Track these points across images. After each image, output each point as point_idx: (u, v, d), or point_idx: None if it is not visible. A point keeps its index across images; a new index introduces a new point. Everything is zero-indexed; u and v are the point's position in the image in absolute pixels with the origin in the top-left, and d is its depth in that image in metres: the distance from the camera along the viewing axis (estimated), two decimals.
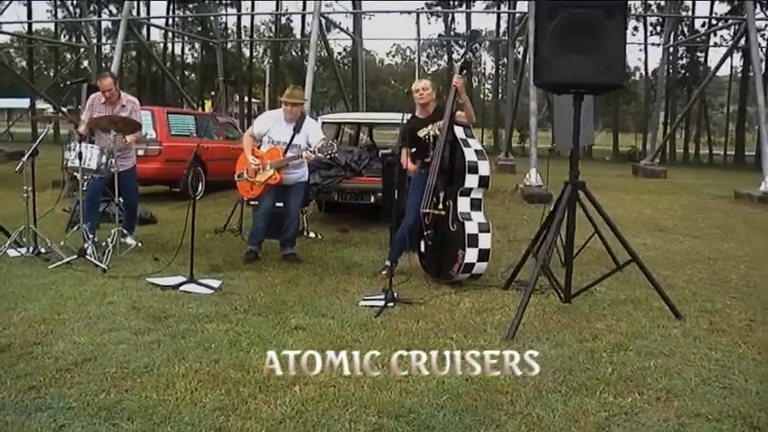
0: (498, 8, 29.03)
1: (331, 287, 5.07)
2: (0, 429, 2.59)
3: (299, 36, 34.97)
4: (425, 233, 5.19)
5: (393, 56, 53.37)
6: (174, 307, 4.35)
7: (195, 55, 41.27)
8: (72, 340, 3.61)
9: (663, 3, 28.71)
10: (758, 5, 22.46)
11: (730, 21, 24.86)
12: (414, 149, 5.38)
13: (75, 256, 5.47)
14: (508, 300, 4.73)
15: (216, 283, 4.94)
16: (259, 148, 5.95)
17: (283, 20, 38.50)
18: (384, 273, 5.46)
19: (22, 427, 2.61)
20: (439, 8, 34.40)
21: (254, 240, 5.99)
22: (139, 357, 3.39)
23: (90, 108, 6.26)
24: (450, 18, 34.00)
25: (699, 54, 31.54)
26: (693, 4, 31.12)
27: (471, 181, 4.98)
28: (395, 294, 4.58)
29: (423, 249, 5.40)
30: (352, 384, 3.12)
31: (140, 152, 8.78)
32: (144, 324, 3.95)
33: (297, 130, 5.80)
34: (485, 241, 4.99)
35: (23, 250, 5.74)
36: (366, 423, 2.73)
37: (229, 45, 32.07)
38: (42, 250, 5.72)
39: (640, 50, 33.88)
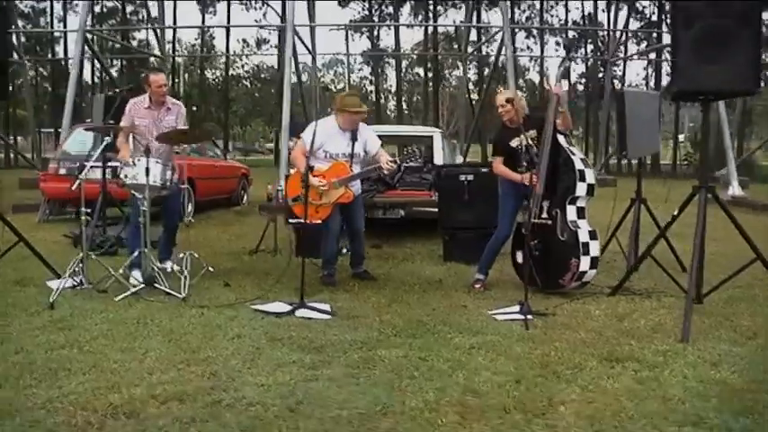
0: (476, 21, 28.07)
1: (444, 303, 4.85)
2: None
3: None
4: (532, 243, 5.05)
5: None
6: (313, 335, 3.96)
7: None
8: (253, 382, 3.18)
9: None
10: None
11: None
12: (501, 158, 5.27)
13: (142, 286, 4.93)
14: (633, 305, 4.69)
15: (326, 307, 4.59)
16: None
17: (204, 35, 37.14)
18: (478, 286, 5.32)
19: None
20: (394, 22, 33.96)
21: (330, 265, 5.58)
22: (357, 397, 3.02)
23: (129, 116, 5.62)
24: (376, 33, 34.05)
25: None
26: None
27: (581, 189, 4.93)
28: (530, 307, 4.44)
29: (519, 260, 5.28)
30: (612, 398, 2.95)
31: None
32: (305, 357, 3.55)
33: (354, 138, 5.38)
34: (595, 249, 4.95)
35: (66, 282, 5.09)
36: None
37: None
38: (80, 280, 5.05)
39: None
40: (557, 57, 31.46)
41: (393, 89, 40.13)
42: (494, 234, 5.36)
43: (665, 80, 25.55)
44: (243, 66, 38.54)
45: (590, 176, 4.97)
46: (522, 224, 5.24)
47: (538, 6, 28.95)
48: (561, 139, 5.04)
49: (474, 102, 20.96)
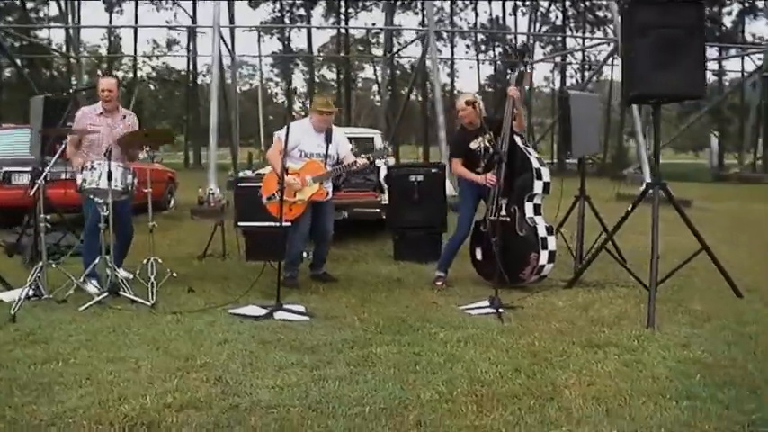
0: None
1: (414, 301, 4.98)
2: None
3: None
4: (493, 240, 5.26)
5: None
6: (302, 336, 3.97)
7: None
8: (263, 385, 3.17)
9: None
10: None
11: None
12: (461, 159, 5.47)
13: (105, 294, 4.76)
14: (591, 296, 5.00)
15: (301, 308, 4.62)
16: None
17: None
18: (439, 283, 5.50)
19: None
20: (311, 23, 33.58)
21: (294, 267, 5.57)
22: (372, 393, 3.08)
23: (80, 123, 5.42)
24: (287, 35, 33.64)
25: None
26: None
27: (538, 187, 5.20)
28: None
29: (479, 257, 5.50)
30: (608, 380, 3.18)
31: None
32: (304, 358, 3.56)
33: (328, 140, 5.46)
34: (552, 243, 5.24)
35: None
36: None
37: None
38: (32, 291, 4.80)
39: None
40: (466, 59, 32.47)
41: (299, 91, 40.05)
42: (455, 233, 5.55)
43: (568, 82, 27.07)
44: (150, 67, 37.15)
45: (546, 175, 5.25)
46: (480, 223, 5.47)
47: (448, 10, 29.87)
48: (517, 139, 5.29)
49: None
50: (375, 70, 32.77)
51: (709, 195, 13.55)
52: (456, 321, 4.35)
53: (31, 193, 4.80)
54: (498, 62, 27.69)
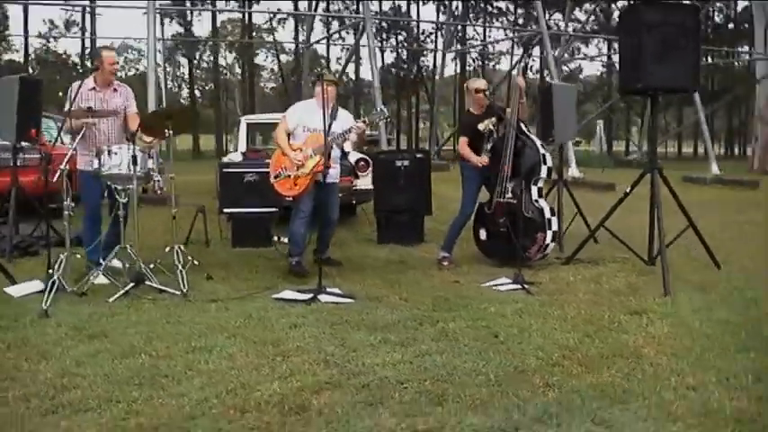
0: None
1: (436, 281, 5.20)
2: None
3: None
4: (500, 220, 5.60)
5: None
6: (367, 318, 4.07)
7: None
8: (375, 363, 3.29)
9: None
10: None
11: None
12: (468, 139, 5.73)
13: (132, 284, 4.61)
14: (593, 271, 5.40)
15: (339, 291, 4.70)
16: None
17: None
18: (446, 263, 5.76)
19: None
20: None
21: (299, 250, 5.51)
22: (484, 362, 3.29)
23: (72, 100, 5.02)
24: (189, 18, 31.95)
25: None
26: None
27: (544, 171, 5.58)
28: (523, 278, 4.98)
29: (484, 237, 5.82)
30: (669, 339, 3.58)
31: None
32: (388, 336, 3.69)
33: (333, 117, 5.37)
34: (555, 224, 5.65)
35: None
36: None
37: None
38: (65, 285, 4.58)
39: None
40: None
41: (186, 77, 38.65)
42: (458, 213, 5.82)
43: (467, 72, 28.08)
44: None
45: (549, 160, 5.64)
46: (485, 204, 5.78)
47: None
48: (522, 126, 5.64)
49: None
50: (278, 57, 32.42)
51: (625, 180, 14.54)
52: (494, 297, 4.62)
53: (55, 180, 4.52)
54: (400, 50, 28.36)
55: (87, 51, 30.86)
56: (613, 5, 30.20)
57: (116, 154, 4.71)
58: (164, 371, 3.16)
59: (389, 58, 30.34)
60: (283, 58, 37.16)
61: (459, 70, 27.27)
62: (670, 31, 4.89)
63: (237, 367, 3.23)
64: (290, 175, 5.26)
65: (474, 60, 31.50)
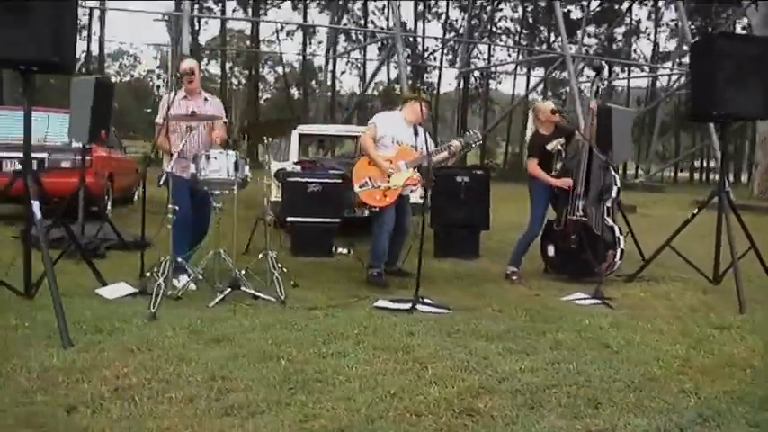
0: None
1: (515, 294, 5.38)
2: None
3: None
4: (572, 237, 5.79)
5: None
6: (474, 326, 4.20)
7: None
8: (511, 369, 3.44)
9: None
10: None
11: None
12: (537, 160, 5.92)
13: (229, 290, 4.71)
14: (658, 289, 5.62)
15: (433, 301, 4.84)
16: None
17: None
18: (515, 278, 5.92)
19: None
20: None
21: (379, 262, 5.62)
22: (620, 368, 3.47)
23: (163, 110, 5.15)
24: None
25: None
26: None
27: (614, 192, 5.80)
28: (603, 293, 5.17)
29: (552, 253, 6.00)
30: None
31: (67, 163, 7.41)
32: (506, 344, 3.83)
33: (416, 133, 5.52)
34: (623, 243, 5.87)
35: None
36: None
37: None
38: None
39: None
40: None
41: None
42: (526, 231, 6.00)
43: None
44: None
45: (618, 181, 5.87)
46: (554, 221, 5.98)
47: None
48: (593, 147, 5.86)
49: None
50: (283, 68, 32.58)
51: (640, 203, 14.73)
52: (581, 311, 4.79)
53: (161, 184, 4.62)
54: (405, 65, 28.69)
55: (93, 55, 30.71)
56: (616, 30, 31.01)
57: (216, 159, 4.79)
58: (312, 375, 3.23)
59: (393, 73, 30.70)
60: (279, 69, 37.46)
61: (462, 89, 27.73)
62: (743, 60, 5.15)
63: (382, 372, 3.33)
64: (379, 186, 5.34)
65: (476, 80, 32.07)
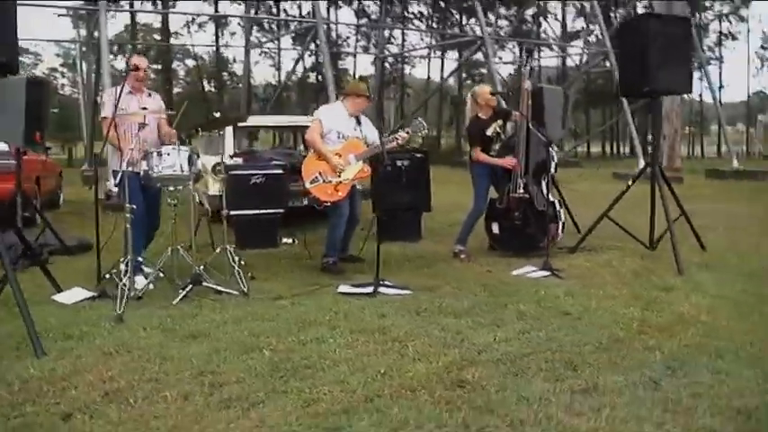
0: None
1: (471, 272, 5.54)
2: None
3: None
4: (515, 214, 6.04)
5: None
6: (442, 305, 4.35)
7: None
8: (492, 340, 3.63)
9: None
10: None
11: None
12: (479, 146, 6.11)
13: (191, 286, 4.65)
14: (600, 257, 5.93)
15: (394, 283, 4.94)
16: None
17: None
18: (463, 256, 6.11)
19: None
20: None
21: (335, 251, 5.67)
22: (593, 334, 3.70)
23: (109, 105, 4.95)
24: None
25: None
26: None
27: (552, 167, 6.08)
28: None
29: (496, 231, 6.24)
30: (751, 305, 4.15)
31: None
32: (482, 320, 4.02)
33: (359, 123, 5.65)
34: (562, 216, 6.17)
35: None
36: None
37: None
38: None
39: None
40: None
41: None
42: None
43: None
44: None
45: (556, 157, 6.15)
46: (496, 200, 6.21)
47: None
48: (530, 125, 6.11)
49: None
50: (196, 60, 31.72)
51: (563, 179, 15.33)
52: (534, 283, 5.04)
53: (116, 183, 4.46)
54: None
55: None
56: (527, 12, 31.96)
57: (168, 155, 4.68)
58: (300, 362, 3.28)
59: (308, 62, 30.50)
60: (190, 62, 36.44)
61: (377, 74, 27.94)
62: (670, 39, 5.51)
63: (366, 354, 3.41)
64: (330, 181, 5.37)
65: (390, 65, 32.32)
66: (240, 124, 8.40)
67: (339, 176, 5.46)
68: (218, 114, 5.35)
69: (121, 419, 2.65)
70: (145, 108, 4.84)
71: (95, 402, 2.80)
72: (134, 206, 4.55)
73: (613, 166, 21.17)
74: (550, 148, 6.08)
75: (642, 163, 17.49)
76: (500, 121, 6.10)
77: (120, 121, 4.93)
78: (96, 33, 15.64)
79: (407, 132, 5.66)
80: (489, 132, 6.09)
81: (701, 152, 46.37)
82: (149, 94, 5.28)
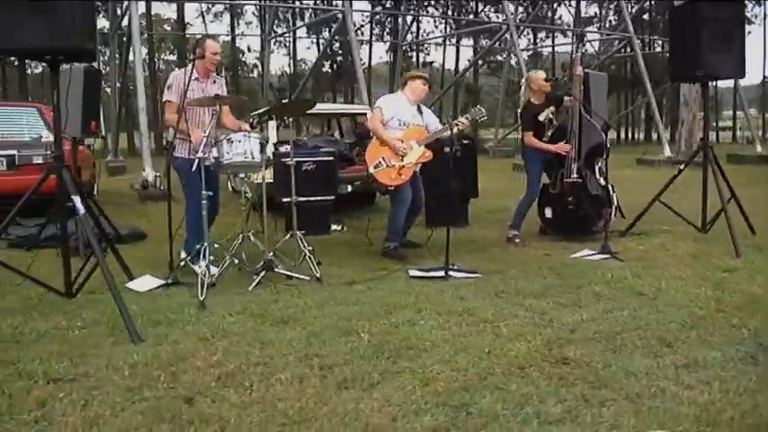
0: None
1: (529, 255, 5.64)
2: None
3: None
4: (569, 199, 6.12)
5: None
6: (513, 287, 4.45)
7: None
8: (574, 320, 3.72)
9: None
10: None
11: None
12: (532, 132, 6.18)
13: (264, 272, 4.75)
14: (653, 241, 6.03)
15: (461, 266, 5.03)
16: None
17: None
18: (518, 241, 6.20)
19: None
20: None
21: (397, 236, 5.76)
22: (674, 315, 3.80)
23: (177, 89, 5.05)
24: None
25: None
26: None
27: (604, 153, 6.15)
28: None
29: (549, 215, 6.32)
30: None
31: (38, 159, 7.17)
32: (562, 300, 4.13)
33: (420, 111, 5.76)
34: (615, 200, 6.24)
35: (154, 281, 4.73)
36: None
37: None
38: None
39: None
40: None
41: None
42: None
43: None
44: None
45: (608, 143, 6.22)
46: (549, 185, 6.29)
47: None
48: (584, 112, 6.18)
49: None
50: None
51: None
52: (597, 265, 5.12)
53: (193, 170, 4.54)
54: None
55: None
56: None
57: (240, 142, 4.73)
58: (401, 344, 3.34)
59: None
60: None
61: (392, 61, 27.86)
62: (722, 24, 5.55)
63: (462, 335, 3.51)
64: (393, 165, 5.47)
65: (405, 53, 32.22)
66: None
67: (402, 160, 5.53)
68: (285, 101, 5.40)
69: (244, 403, 2.70)
70: (217, 96, 4.87)
71: (211, 387, 2.87)
72: (210, 193, 4.62)
73: (632, 152, 21.07)
74: (602, 133, 6.14)
75: (668, 150, 17.53)
76: (552, 108, 6.16)
77: (187, 108, 5.00)
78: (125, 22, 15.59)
79: (467, 119, 5.73)
80: (542, 118, 6.16)
81: (716, 137, 46.12)
82: (214, 81, 5.32)
